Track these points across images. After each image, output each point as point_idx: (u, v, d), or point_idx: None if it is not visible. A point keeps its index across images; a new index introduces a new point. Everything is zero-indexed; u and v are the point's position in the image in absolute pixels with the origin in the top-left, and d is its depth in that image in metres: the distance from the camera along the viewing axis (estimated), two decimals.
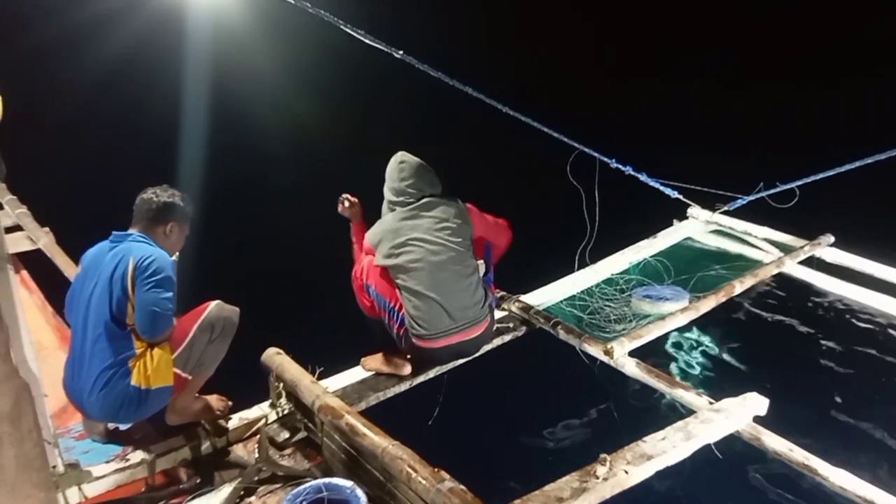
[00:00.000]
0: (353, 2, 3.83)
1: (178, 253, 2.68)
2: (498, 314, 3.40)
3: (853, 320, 3.86)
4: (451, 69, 3.42)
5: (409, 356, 3.04)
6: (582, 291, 3.62)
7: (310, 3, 3.00)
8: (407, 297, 2.88)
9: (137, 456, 2.55)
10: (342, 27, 3.15)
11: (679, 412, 2.62)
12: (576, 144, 3.66)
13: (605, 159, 3.73)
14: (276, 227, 5.68)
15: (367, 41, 3.18)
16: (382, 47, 3.24)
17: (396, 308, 2.94)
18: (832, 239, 3.88)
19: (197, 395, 2.69)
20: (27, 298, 3.80)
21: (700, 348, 3.89)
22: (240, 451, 2.69)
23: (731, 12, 9.95)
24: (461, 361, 3.11)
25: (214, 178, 6.16)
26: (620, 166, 3.82)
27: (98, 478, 2.46)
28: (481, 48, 9.18)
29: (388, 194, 2.99)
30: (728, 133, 7.13)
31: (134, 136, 7.10)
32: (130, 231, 2.54)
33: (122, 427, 2.64)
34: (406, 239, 2.87)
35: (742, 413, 2.48)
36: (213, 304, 2.59)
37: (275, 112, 7.67)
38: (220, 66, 7.60)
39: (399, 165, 2.96)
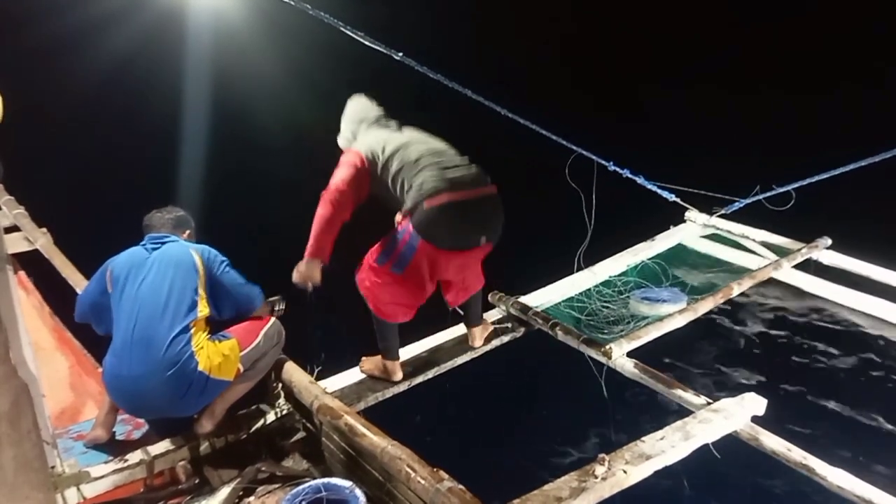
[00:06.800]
0: (353, 1, 3.83)
1: None
2: (496, 314, 3.40)
3: (849, 322, 3.86)
4: (450, 69, 3.42)
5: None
6: (580, 293, 3.63)
7: (310, 3, 3.01)
8: (409, 173, 2.77)
9: (136, 456, 2.54)
10: (342, 29, 3.15)
11: (677, 412, 2.63)
12: (573, 147, 3.67)
13: (603, 162, 3.73)
14: (274, 224, 5.66)
15: (366, 42, 3.18)
16: (382, 49, 3.24)
17: (397, 230, 2.80)
18: (829, 241, 3.89)
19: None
20: (25, 299, 3.79)
21: (698, 349, 3.89)
22: (238, 452, 2.68)
23: (731, 13, 9.96)
24: (460, 362, 3.11)
25: (213, 176, 6.16)
26: (618, 169, 3.82)
27: (97, 478, 2.44)
28: (481, 48, 9.19)
29: (365, 124, 2.99)
30: (728, 134, 7.13)
31: (134, 137, 7.09)
32: (165, 233, 2.71)
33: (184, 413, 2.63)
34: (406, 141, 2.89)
35: (740, 413, 2.49)
36: (273, 319, 2.80)
37: (275, 108, 7.66)
38: (220, 64, 7.60)
39: (368, 99, 3.03)
